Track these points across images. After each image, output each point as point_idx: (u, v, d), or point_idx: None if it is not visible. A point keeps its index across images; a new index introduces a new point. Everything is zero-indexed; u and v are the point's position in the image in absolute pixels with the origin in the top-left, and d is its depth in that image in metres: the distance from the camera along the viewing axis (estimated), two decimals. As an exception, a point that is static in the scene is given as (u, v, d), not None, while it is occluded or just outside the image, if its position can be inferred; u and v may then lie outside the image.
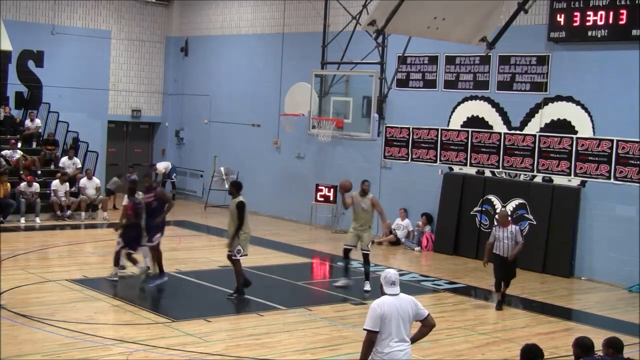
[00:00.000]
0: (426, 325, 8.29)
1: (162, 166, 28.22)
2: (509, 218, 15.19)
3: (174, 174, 28.62)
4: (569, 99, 18.90)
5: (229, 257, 15.05)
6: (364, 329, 8.00)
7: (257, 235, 22.20)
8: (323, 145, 23.03)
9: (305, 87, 22.37)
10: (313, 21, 24.15)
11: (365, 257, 15.91)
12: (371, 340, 7.94)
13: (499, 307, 15.10)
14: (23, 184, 22.77)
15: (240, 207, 14.99)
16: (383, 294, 8.15)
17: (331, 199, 23.57)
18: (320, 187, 23.73)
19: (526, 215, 19.46)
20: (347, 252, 16.12)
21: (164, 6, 29.81)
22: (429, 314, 8.30)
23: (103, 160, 28.01)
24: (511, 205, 19.74)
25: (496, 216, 15.51)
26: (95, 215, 23.85)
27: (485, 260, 15.18)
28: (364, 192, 16.06)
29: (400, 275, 8.55)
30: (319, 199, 23.80)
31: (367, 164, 22.95)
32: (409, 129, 22.03)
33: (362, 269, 16.28)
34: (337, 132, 21.29)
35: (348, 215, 23.24)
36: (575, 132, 18.77)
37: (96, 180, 24.37)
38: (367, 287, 15.74)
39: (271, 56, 26.00)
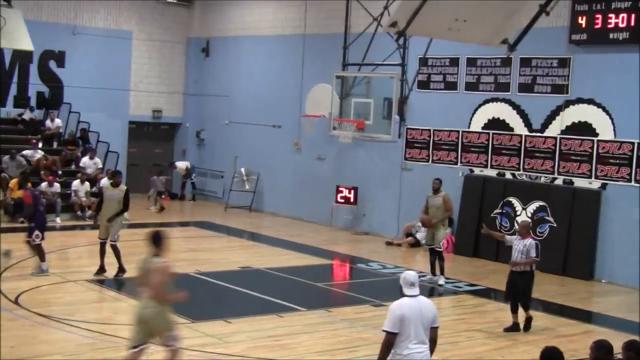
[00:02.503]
0: (431, 337, 8.21)
1: (182, 165, 28.35)
2: (529, 230, 14.17)
3: (194, 174, 28.73)
4: (590, 101, 18.81)
5: (113, 245, 16.03)
6: (383, 330, 8.00)
7: (277, 236, 22.29)
8: (344, 146, 23.01)
9: (326, 88, 22.38)
10: (334, 22, 24.13)
11: (439, 253, 17.04)
12: (390, 341, 7.93)
13: (510, 330, 13.62)
14: (44, 184, 22.89)
15: (128, 193, 16.34)
16: (402, 295, 8.14)
17: (351, 200, 23.55)
18: (340, 189, 23.71)
19: (547, 217, 19.38)
20: (430, 250, 17.32)
21: (185, 7, 29.90)
22: (438, 327, 8.28)
23: (124, 161, 28.10)
24: (532, 208, 19.67)
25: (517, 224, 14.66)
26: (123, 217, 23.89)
27: (487, 230, 14.93)
28: (435, 191, 17.17)
29: (420, 277, 8.53)
30: (339, 200, 23.78)
31: (388, 165, 22.92)
32: (429, 130, 21.99)
33: (383, 270, 16.32)
34: (357, 133, 21.29)
35: (368, 216, 23.30)
36: (596, 135, 18.68)
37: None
38: (442, 281, 16.95)
39: (292, 57, 26.01)
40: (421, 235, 21.14)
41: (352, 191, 23.52)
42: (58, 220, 22.65)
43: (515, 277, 13.61)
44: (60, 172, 24.46)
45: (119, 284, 15.75)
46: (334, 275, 19.09)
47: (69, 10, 27.29)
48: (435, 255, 17.13)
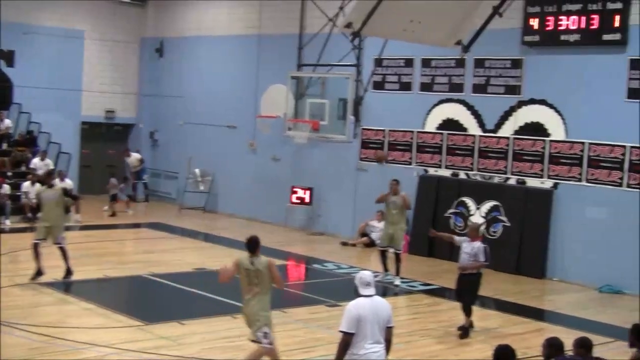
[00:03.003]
0: (386, 337, 8.22)
1: (136, 156, 27.88)
2: (479, 233, 13.86)
3: (145, 175, 28.39)
4: (542, 102, 19.02)
5: (60, 247, 15.90)
6: (340, 331, 7.99)
7: (232, 237, 22.17)
8: (299, 147, 22.98)
9: (281, 89, 22.31)
10: (289, 23, 24.10)
11: (397, 255, 17.00)
12: (347, 342, 7.93)
13: (460, 330, 13.40)
14: (-6, 186, 22.55)
15: (67, 191, 16.55)
16: (358, 295, 8.14)
17: (307, 200, 23.53)
18: (295, 189, 23.69)
19: (500, 217, 19.55)
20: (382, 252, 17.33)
21: (138, 7, 29.62)
22: (393, 327, 8.30)
23: (76, 162, 27.77)
24: (485, 208, 19.83)
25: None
26: (68, 217, 23.59)
27: (435, 233, 14.99)
28: (394, 192, 17.07)
29: (375, 277, 8.54)
30: (294, 200, 23.75)
31: (343, 166, 22.95)
32: (384, 131, 22.05)
33: (338, 270, 16.29)
34: (313, 134, 21.25)
35: (324, 217, 23.28)
36: (548, 135, 18.89)
37: (69, 182, 24.13)
38: (397, 281, 16.85)
39: (247, 58, 25.91)
40: (376, 235, 21.16)
41: (307, 192, 23.51)
42: (7, 222, 22.31)
43: (463, 278, 13.46)
44: (9, 174, 24.09)
45: (67, 286, 15.53)
46: (289, 275, 19.03)
47: (20, 9, 26.83)
48: (386, 256, 17.28)
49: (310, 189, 23.48)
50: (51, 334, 12.22)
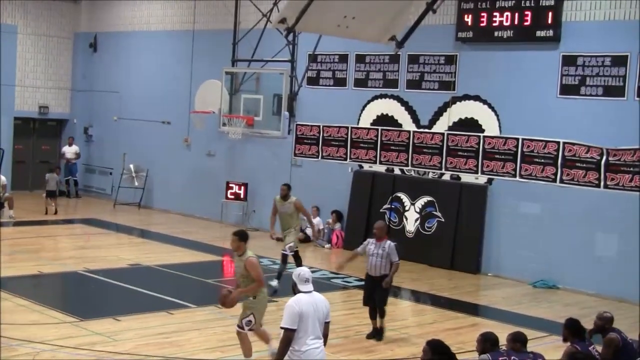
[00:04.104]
0: (324, 332, 8.32)
1: (71, 149, 27.72)
2: (386, 232, 13.11)
3: (76, 172, 28.16)
4: (476, 98, 19.27)
5: None
6: (282, 327, 8.03)
7: (168, 232, 22.09)
8: (233, 142, 22.97)
9: (215, 84, 22.30)
10: (224, 18, 24.06)
11: (284, 257, 16.00)
12: (289, 338, 7.97)
13: (371, 336, 12.90)
14: None
15: None
16: (297, 291, 8.22)
17: (242, 196, 23.54)
18: (230, 185, 23.68)
19: (434, 212, 19.79)
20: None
21: (72, 1, 29.25)
22: (330, 322, 8.41)
23: (9, 158, 27.35)
24: (420, 203, 20.05)
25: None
26: (1, 213, 23.28)
27: (338, 266, 14.14)
28: (284, 197, 16.03)
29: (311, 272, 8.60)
30: (229, 196, 23.74)
31: (278, 161, 23.00)
32: (319, 126, 22.14)
33: (274, 266, 16.33)
34: (247, 129, 21.30)
35: (259, 212, 23.29)
36: (482, 131, 19.15)
37: (2, 178, 23.78)
38: (275, 283, 15.57)
39: (182, 53, 25.79)
40: (310, 230, 21.20)
41: (242, 187, 23.52)
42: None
43: (374, 281, 12.80)
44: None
45: (5, 283, 15.29)
46: (225, 271, 19.03)
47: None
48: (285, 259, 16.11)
49: (245, 184, 23.49)
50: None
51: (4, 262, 16.73)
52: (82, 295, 15.55)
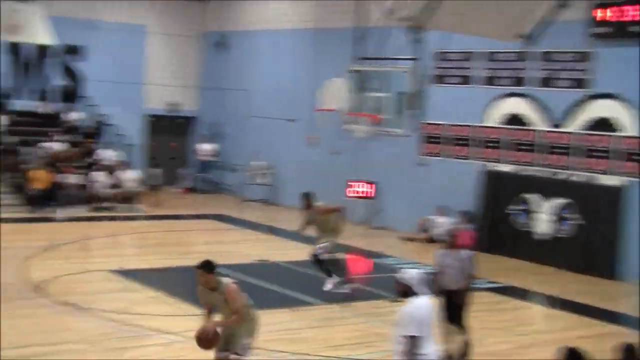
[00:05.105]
0: None
1: (208, 147, 28.40)
2: (459, 240, 11.67)
3: (209, 169, 28.85)
4: (611, 96, 18.67)
5: None
6: (407, 336, 7.67)
7: (293, 229, 22.27)
8: (358, 140, 22.99)
9: (340, 82, 22.38)
10: (347, 16, 24.09)
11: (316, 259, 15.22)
12: (415, 345, 7.66)
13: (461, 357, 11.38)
14: (63, 176, 23.06)
15: None
16: (413, 294, 7.90)
17: (367, 194, 23.53)
18: (354, 183, 23.68)
19: (566, 214, 19.28)
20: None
21: (201, 1, 29.94)
22: None
23: (141, 154, 28.22)
24: (551, 204, 19.58)
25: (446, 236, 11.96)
26: (133, 207, 24.05)
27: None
28: (307, 206, 15.31)
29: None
30: (353, 194, 23.76)
31: (403, 160, 22.88)
32: (444, 125, 21.95)
33: (398, 266, 16.27)
34: (372, 127, 21.28)
35: (383, 211, 23.27)
36: (617, 130, 18.55)
37: (134, 173, 24.60)
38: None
39: (306, 51, 26.01)
40: (438, 231, 20.99)
41: (367, 185, 23.53)
42: (77, 211, 22.76)
43: (452, 297, 11.25)
44: (79, 164, 24.58)
45: (134, 274, 15.79)
46: (350, 269, 19.08)
47: (88, 4, 27.40)
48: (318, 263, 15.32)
49: (370, 182, 23.49)
50: (120, 319, 12.51)
51: (137, 255, 17.32)
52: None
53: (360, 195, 23.61)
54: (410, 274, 8.01)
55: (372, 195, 23.50)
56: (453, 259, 11.19)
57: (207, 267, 8.85)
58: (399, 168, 22.98)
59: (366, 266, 19.13)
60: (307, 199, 15.31)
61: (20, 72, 26.75)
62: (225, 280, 8.97)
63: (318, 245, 15.08)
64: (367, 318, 13.70)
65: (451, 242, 11.41)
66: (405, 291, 7.91)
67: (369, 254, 19.78)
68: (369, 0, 22.69)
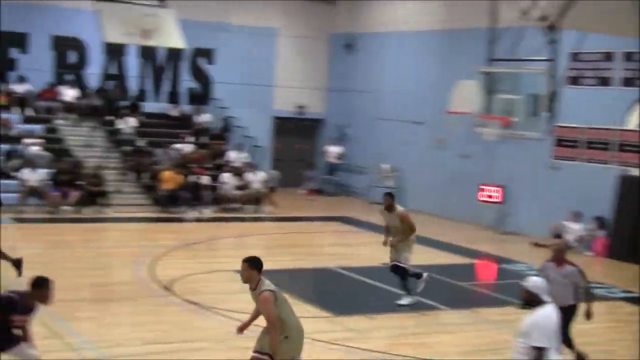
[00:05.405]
0: None
1: (334, 149, 28.40)
2: (564, 255, 10.81)
3: (337, 171, 28.85)
4: None
5: None
6: (537, 346, 7.35)
7: (420, 233, 21.94)
8: (489, 144, 22.51)
9: (471, 84, 21.95)
10: (478, 17, 23.63)
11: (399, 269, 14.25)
12: (542, 356, 7.34)
13: None
14: (193, 177, 23.46)
15: None
16: (538, 303, 7.55)
17: (497, 198, 23.04)
18: (485, 187, 23.23)
19: None
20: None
21: (329, 3, 30.00)
22: None
23: (269, 155, 28.46)
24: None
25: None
26: (261, 208, 24.23)
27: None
28: (387, 208, 14.37)
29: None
30: (483, 198, 23.31)
31: (535, 164, 22.29)
32: (580, 128, 21.22)
33: (529, 272, 15.80)
34: (503, 130, 20.79)
35: (514, 216, 22.72)
36: None
37: (262, 175, 24.81)
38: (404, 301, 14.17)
39: (435, 53, 25.70)
40: (572, 237, 20.28)
41: (498, 189, 23.03)
42: (206, 211, 23.10)
43: (564, 311, 9.64)
44: (208, 166, 24.97)
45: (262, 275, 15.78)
46: (478, 274, 18.70)
47: (219, 8, 27.84)
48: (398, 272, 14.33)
49: (501, 186, 22.97)
50: (244, 319, 12.50)
51: (264, 256, 17.24)
52: (336, 291, 15.78)
53: (492, 199, 23.13)
54: (536, 281, 7.70)
55: (500, 199, 22.97)
56: (558, 274, 10.57)
57: (252, 262, 8.63)
58: (531, 172, 22.38)
59: (495, 272, 18.68)
60: (389, 199, 14.39)
61: (152, 75, 27.45)
62: (266, 284, 8.62)
63: (403, 256, 14.18)
64: (496, 325, 13.35)
65: (556, 256, 10.77)
66: (531, 299, 7.62)
67: (498, 260, 19.30)
68: (502, 0, 22.19)
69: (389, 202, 14.24)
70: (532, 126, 20.41)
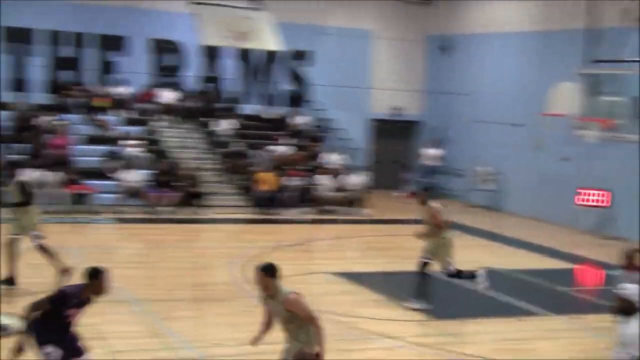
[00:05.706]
0: None
1: (432, 152, 28.25)
2: (635, 261, 10.43)
3: (435, 174, 28.65)
4: None
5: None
6: (637, 357, 7.17)
7: (517, 236, 21.70)
8: (589, 147, 22.03)
9: (570, 86, 21.58)
10: (576, 18, 23.18)
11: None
12: None
13: None
14: (289, 178, 23.66)
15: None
16: (634, 311, 7.35)
17: (597, 202, 22.53)
18: (584, 191, 22.73)
19: None
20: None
21: (425, 5, 29.85)
22: None
23: (365, 157, 28.48)
24: None
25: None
26: (358, 210, 24.24)
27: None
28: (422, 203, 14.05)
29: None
30: (582, 202, 22.83)
31: (637, 167, 21.70)
32: (685, 131, 20.60)
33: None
34: (605, 133, 20.35)
35: (617, 220, 22.16)
36: None
37: (359, 177, 24.83)
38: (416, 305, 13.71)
39: (534, 54, 25.32)
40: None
41: (598, 193, 22.52)
42: (302, 213, 23.25)
43: None
44: (304, 167, 25.14)
45: (356, 277, 15.83)
46: (578, 280, 18.33)
47: (315, 10, 27.99)
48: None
49: (601, 190, 22.46)
50: (343, 321, 12.56)
51: (360, 258, 17.38)
52: (434, 295, 15.67)
53: (591, 203, 22.64)
54: (633, 289, 7.49)
55: (607, 204, 22.42)
56: (630, 280, 10.23)
57: (268, 270, 8.32)
58: (634, 175, 21.81)
59: (597, 277, 18.29)
60: (422, 195, 14.22)
61: (249, 77, 27.78)
62: (286, 289, 8.36)
63: (447, 259, 13.88)
64: (595, 332, 13.05)
65: (627, 263, 10.45)
66: (627, 308, 7.41)
67: (600, 265, 18.88)
68: (603, 1, 21.75)
69: (422, 197, 14.04)
70: (635, 129, 19.93)
